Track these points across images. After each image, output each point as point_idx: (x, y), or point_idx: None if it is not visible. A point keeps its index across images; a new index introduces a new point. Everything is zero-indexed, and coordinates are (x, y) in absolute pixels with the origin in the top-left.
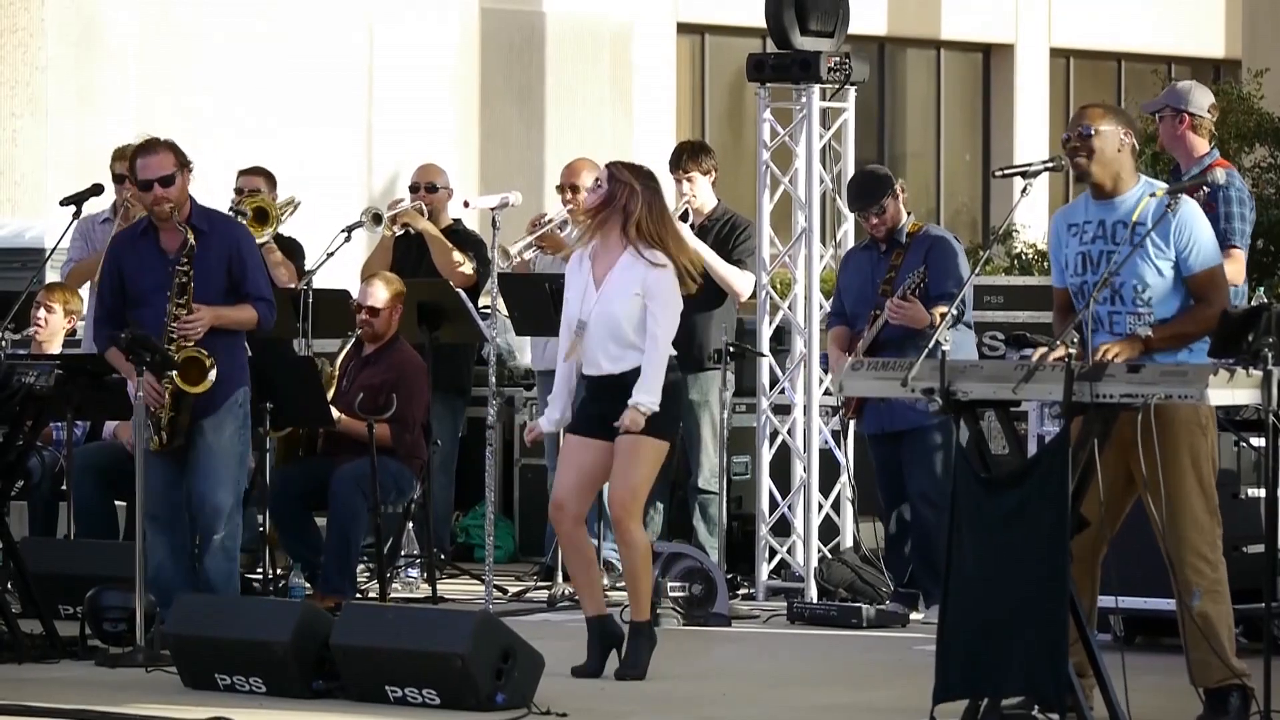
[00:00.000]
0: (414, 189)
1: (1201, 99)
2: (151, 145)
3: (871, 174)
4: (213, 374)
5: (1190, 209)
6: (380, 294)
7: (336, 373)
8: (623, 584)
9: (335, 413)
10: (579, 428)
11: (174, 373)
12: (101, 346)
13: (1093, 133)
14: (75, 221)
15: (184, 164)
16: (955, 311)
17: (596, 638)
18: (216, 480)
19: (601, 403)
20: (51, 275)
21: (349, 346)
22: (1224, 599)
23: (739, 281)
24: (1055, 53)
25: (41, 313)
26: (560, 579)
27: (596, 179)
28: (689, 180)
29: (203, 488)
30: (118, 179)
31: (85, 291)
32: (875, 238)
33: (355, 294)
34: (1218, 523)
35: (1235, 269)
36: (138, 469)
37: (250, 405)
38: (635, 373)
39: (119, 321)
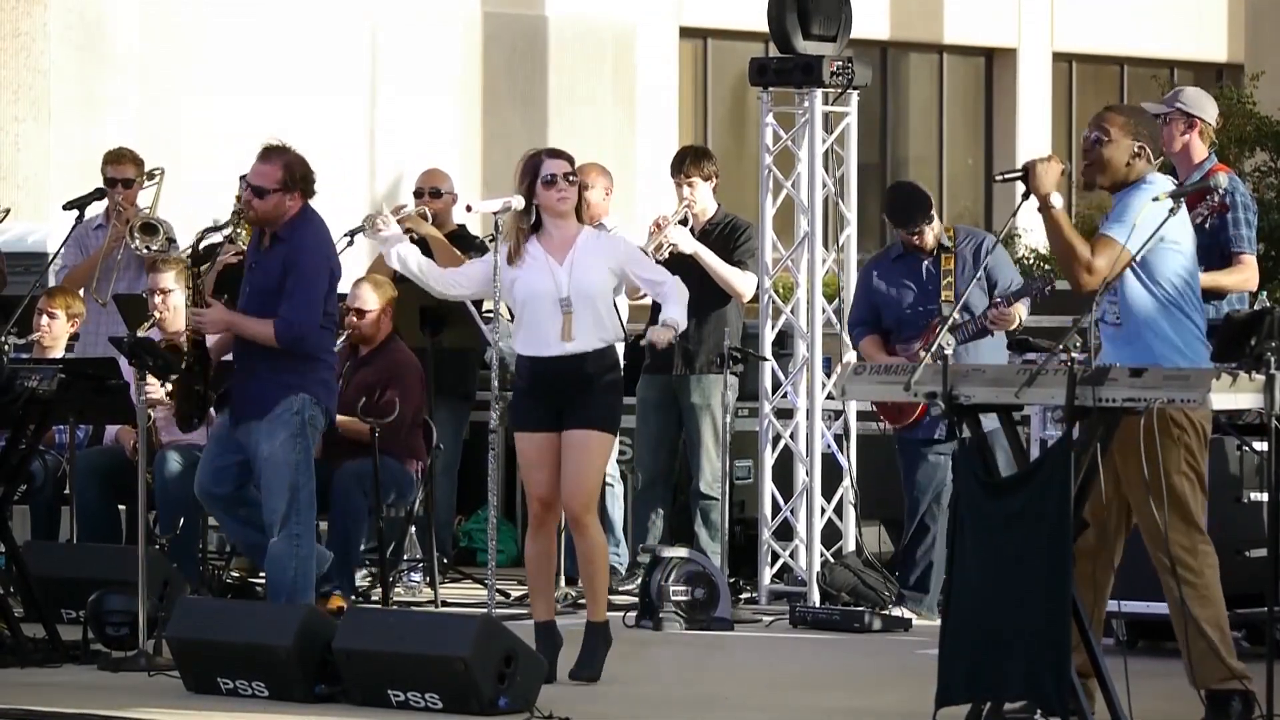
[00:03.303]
0: (418, 194)
1: (1210, 107)
2: (269, 154)
3: (915, 191)
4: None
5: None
6: (367, 296)
7: None
8: (624, 587)
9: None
10: (531, 424)
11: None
12: None
13: (1103, 140)
14: (76, 226)
15: (293, 185)
16: (957, 317)
17: (547, 642)
18: (268, 488)
19: (550, 394)
20: (54, 280)
21: (336, 346)
22: (1211, 602)
23: (740, 282)
24: (1058, 57)
25: (44, 319)
26: (563, 583)
27: (567, 174)
28: (690, 185)
29: (263, 495)
30: (109, 183)
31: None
32: (918, 248)
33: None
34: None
35: (1246, 275)
36: (139, 472)
37: (318, 412)
38: (594, 354)
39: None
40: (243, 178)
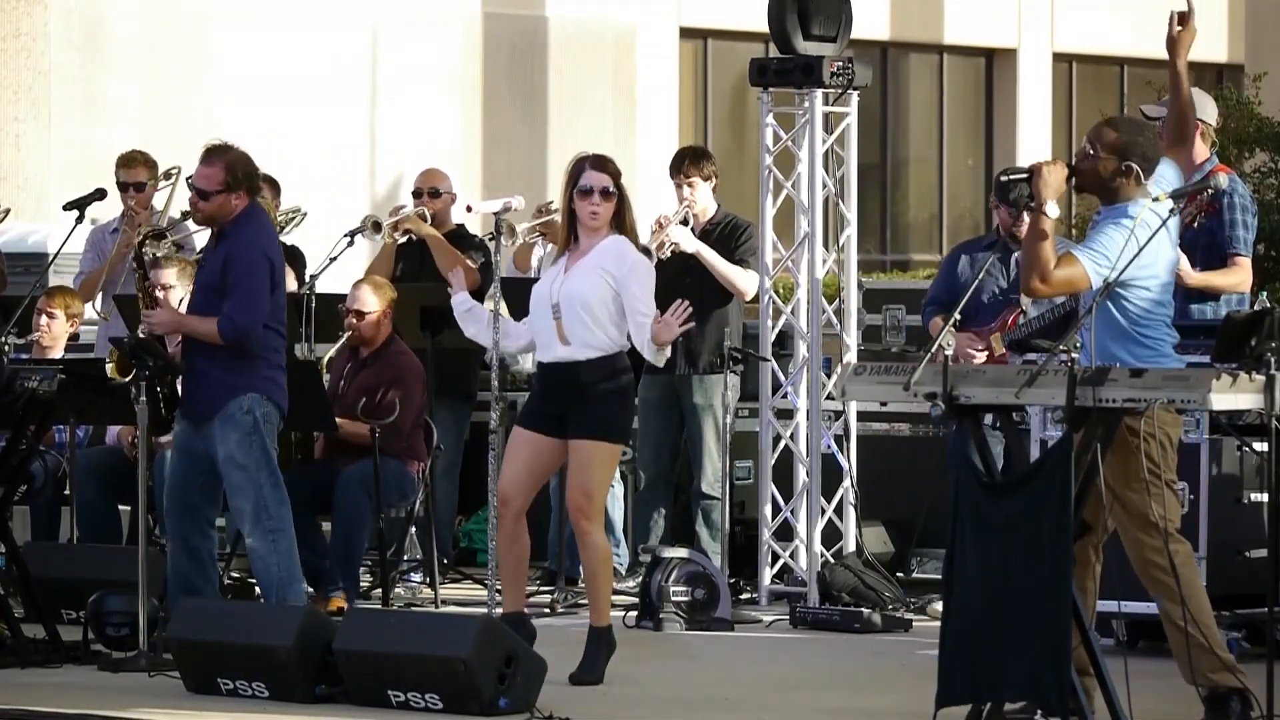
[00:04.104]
0: (417, 194)
1: (1210, 108)
2: (210, 155)
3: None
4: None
5: None
6: (368, 299)
7: (324, 373)
8: (624, 587)
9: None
10: (529, 422)
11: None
12: None
13: (1089, 155)
14: (77, 227)
15: (236, 185)
16: (958, 316)
17: (519, 633)
18: (233, 490)
19: (554, 400)
20: (54, 280)
21: (336, 348)
22: (1189, 599)
23: (743, 281)
24: (1058, 57)
25: (44, 319)
26: (563, 583)
27: (605, 188)
28: (689, 185)
29: (229, 497)
30: (122, 187)
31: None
32: (1010, 236)
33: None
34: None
35: (1240, 277)
36: (140, 473)
37: (270, 408)
38: (589, 363)
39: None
40: (189, 179)
